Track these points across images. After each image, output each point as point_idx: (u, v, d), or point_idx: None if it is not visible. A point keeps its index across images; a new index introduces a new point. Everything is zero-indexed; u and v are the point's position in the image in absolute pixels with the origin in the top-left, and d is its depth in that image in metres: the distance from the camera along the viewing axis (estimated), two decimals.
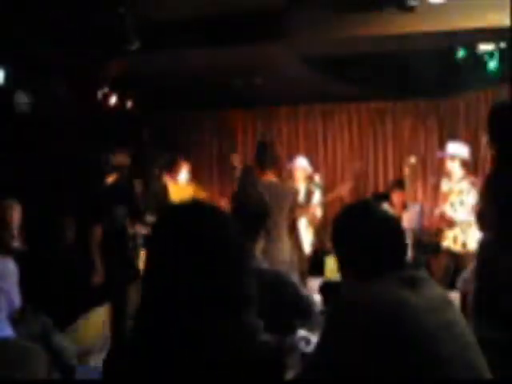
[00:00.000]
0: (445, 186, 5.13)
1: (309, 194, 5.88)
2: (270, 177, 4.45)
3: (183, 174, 5.94)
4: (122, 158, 4.89)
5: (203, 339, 1.20)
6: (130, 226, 4.31)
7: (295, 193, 4.69)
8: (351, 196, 6.55)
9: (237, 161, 5.59)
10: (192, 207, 1.33)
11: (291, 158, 6.34)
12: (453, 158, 5.04)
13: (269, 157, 4.45)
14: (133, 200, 4.43)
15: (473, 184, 4.86)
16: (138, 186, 4.64)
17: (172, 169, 5.76)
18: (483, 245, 2.66)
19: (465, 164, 5.09)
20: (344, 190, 6.13)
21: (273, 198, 4.29)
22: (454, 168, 5.03)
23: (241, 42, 5.19)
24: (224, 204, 5.78)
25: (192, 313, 1.20)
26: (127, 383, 1.23)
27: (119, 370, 1.25)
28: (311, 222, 5.81)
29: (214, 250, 1.24)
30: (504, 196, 2.51)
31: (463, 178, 5.01)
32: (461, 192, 4.97)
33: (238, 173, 5.27)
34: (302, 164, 5.99)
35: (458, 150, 5.08)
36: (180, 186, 5.74)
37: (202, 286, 1.21)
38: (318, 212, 5.87)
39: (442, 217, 5.06)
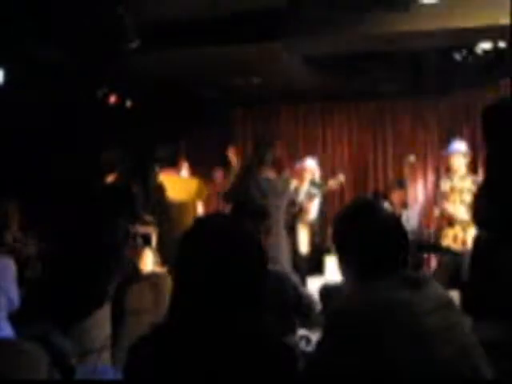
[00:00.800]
0: (445, 184, 5.13)
1: (309, 195, 5.87)
2: (267, 173, 4.53)
3: (183, 171, 5.92)
4: (121, 158, 4.88)
5: (228, 334, 1.29)
6: (130, 226, 4.30)
7: (293, 191, 4.75)
8: (351, 196, 6.54)
9: (233, 153, 5.46)
10: (218, 221, 1.45)
11: (291, 157, 6.33)
12: (463, 155, 5.05)
13: (267, 158, 4.55)
14: (133, 200, 4.43)
15: (475, 182, 4.86)
16: (136, 185, 4.64)
17: (174, 162, 5.69)
18: (480, 242, 2.65)
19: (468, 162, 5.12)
20: (335, 184, 6.00)
21: (270, 195, 4.38)
22: (462, 165, 5.04)
23: (241, 41, 5.19)
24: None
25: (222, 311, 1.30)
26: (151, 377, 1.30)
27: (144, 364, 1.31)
28: (310, 221, 5.80)
29: (242, 259, 1.34)
30: (506, 194, 2.50)
31: (466, 176, 5.01)
32: (462, 190, 4.97)
33: (234, 163, 5.19)
34: (311, 165, 5.97)
35: (466, 147, 5.11)
36: (183, 179, 5.69)
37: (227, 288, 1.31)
38: (314, 211, 5.83)
39: (442, 215, 5.06)
